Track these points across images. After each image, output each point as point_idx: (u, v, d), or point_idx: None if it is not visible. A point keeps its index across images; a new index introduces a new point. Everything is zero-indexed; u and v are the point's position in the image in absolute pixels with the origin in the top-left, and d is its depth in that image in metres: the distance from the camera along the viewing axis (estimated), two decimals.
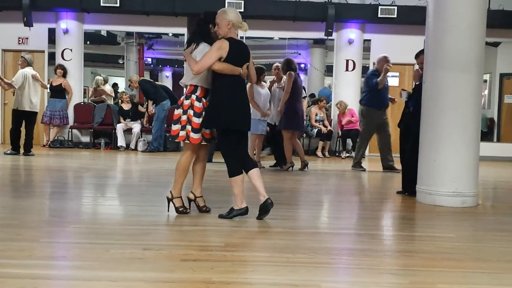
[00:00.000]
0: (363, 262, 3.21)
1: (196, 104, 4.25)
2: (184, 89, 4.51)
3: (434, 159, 5.32)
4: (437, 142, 5.30)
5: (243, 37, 11.79)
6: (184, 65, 4.50)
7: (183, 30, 11.89)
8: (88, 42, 12.15)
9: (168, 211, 4.43)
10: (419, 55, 5.89)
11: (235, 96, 4.24)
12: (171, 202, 4.43)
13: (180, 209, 4.40)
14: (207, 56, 4.12)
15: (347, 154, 11.07)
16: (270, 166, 8.51)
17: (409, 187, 5.85)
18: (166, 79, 13.61)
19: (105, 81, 12.51)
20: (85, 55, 12.00)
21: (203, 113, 4.24)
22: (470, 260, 3.32)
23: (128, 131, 11.22)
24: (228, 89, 4.21)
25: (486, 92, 13.24)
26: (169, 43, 13.14)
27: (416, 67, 6.11)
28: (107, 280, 2.69)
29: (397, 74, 12.24)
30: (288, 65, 8.11)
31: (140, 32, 12.55)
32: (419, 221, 4.86)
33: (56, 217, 4.36)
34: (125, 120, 11.21)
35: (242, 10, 11.02)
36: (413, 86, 6.22)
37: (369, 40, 12.14)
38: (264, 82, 8.36)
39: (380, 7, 11.29)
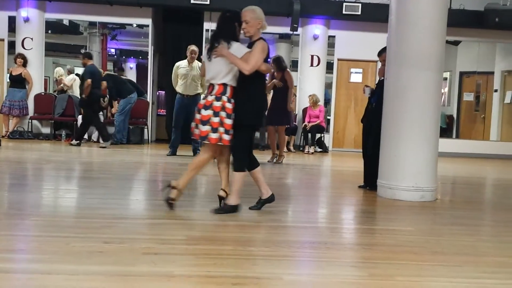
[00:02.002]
0: (324, 255, 3.26)
1: (228, 105, 4.22)
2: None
3: (394, 154, 5.42)
4: (397, 137, 5.41)
5: (208, 29, 11.75)
6: (210, 64, 4.29)
7: (148, 21, 11.74)
8: (49, 31, 11.86)
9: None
10: (382, 52, 5.98)
11: (264, 95, 4.47)
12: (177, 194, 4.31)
13: (170, 201, 4.28)
14: (256, 57, 4.18)
15: (312, 150, 11.18)
16: None
17: (370, 182, 5.96)
18: (130, 70, 13.41)
19: (70, 72, 12.25)
20: (47, 44, 11.72)
21: (233, 114, 4.25)
22: (428, 253, 3.40)
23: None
24: (259, 89, 4.38)
25: (446, 89, 13.58)
26: (133, 34, 12.95)
27: (379, 64, 6.20)
28: (66, 274, 2.64)
29: (361, 70, 12.43)
30: (279, 64, 8.42)
31: (104, 22, 12.33)
32: (379, 214, 4.95)
33: (15, 209, 4.26)
34: None
35: (207, 2, 10.97)
36: (376, 82, 6.31)
37: (334, 36, 12.26)
38: None
39: (344, 4, 11.42)
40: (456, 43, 12.90)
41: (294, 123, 11.40)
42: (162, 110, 13.46)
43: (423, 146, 5.38)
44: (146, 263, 2.86)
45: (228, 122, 4.21)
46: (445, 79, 13.28)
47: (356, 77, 12.49)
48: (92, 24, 12.45)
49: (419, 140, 5.37)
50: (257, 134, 10.98)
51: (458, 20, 10.77)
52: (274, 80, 8.46)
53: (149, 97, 11.90)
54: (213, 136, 4.19)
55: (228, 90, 4.24)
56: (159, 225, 3.87)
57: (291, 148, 11.46)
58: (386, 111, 5.58)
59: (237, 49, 4.22)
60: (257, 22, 4.33)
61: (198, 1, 10.99)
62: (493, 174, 9.19)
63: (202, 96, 4.46)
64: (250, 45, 4.34)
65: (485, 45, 13.05)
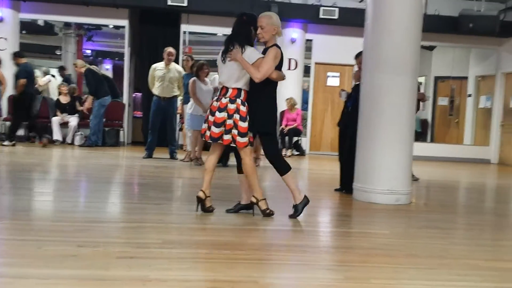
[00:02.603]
0: (301, 258, 3.26)
1: (242, 108, 4.24)
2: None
3: (370, 158, 5.47)
4: (373, 141, 5.46)
5: (185, 31, 11.71)
6: (223, 66, 4.21)
7: (124, 22, 11.64)
8: (24, 32, 11.66)
9: (253, 215, 4.43)
10: (358, 55, 6.03)
11: (275, 102, 4.44)
12: (256, 206, 4.42)
13: (267, 211, 4.39)
14: (268, 65, 4.20)
15: (289, 153, 11.22)
16: None
17: (346, 185, 5.99)
18: (106, 72, 13.25)
19: (46, 73, 12.06)
20: (21, 45, 11.51)
21: (247, 117, 4.26)
22: (402, 256, 3.43)
23: (64, 124, 10.86)
24: (271, 95, 4.38)
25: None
26: (110, 35, 12.81)
27: (356, 67, 6.25)
28: (36, 278, 2.59)
29: (338, 74, 12.51)
30: None
31: (79, 23, 12.18)
32: (355, 218, 4.98)
33: None
34: (62, 114, 10.85)
35: (185, 4, 10.93)
36: (352, 86, 6.36)
37: (311, 40, 12.33)
38: (207, 78, 8.28)
39: (322, 8, 11.49)
40: (431, 48, 13.09)
41: None
42: (139, 112, 13.34)
43: (398, 150, 5.43)
44: (120, 267, 2.83)
45: (243, 125, 4.24)
46: (420, 83, 13.45)
47: (333, 80, 12.58)
48: (67, 25, 12.29)
49: (394, 144, 5.42)
50: None
51: (433, 26, 10.92)
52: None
53: (125, 99, 11.79)
54: (226, 137, 4.24)
55: (242, 93, 4.28)
56: (135, 228, 3.83)
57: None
58: (361, 115, 5.63)
59: (250, 54, 4.24)
60: (273, 28, 4.35)
61: (175, 3, 10.94)
62: (466, 177, 9.34)
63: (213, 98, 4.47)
64: (264, 51, 4.35)
65: (460, 50, 13.26)
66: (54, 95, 11.81)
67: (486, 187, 7.35)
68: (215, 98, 4.38)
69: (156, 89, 8.92)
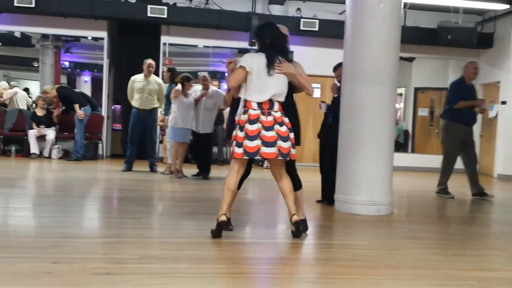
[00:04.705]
0: (281, 271, 3.23)
1: (286, 120, 4.15)
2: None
3: (351, 169, 5.47)
4: (353, 152, 5.46)
5: (165, 43, 11.66)
6: (268, 79, 4.04)
7: (103, 34, 11.54)
8: (0, 44, 11.49)
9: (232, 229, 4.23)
10: (337, 68, 6.05)
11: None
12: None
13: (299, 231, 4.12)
14: (308, 79, 4.29)
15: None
16: (192, 175, 8.42)
17: (328, 196, 5.98)
18: (84, 83, 13.13)
19: (13, 86, 11.86)
20: None
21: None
22: (382, 267, 3.41)
23: (41, 137, 10.68)
24: (295, 107, 4.47)
25: (402, 105, 13.88)
26: (88, 47, 12.69)
27: (335, 79, 6.27)
28: None
29: (319, 86, 12.56)
30: None
31: (57, 35, 12.05)
32: (336, 229, 4.97)
33: None
34: (38, 126, 10.69)
35: (165, 16, 10.88)
36: (332, 98, 6.37)
37: (292, 51, 12.36)
38: (189, 91, 8.22)
39: (302, 20, 11.55)
40: (410, 59, 13.22)
41: None
42: (118, 125, 13.21)
43: (378, 160, 5.44)
44: (97, 284, 2.76)
45: (293, 136, 4.14)
46: (400, 94, 13.58)
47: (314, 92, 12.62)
48: (45, 37, 12.13)
49: (374, 154, 5.43)
50: (215, 149, 10.89)
51: (412, 37, 11.04)
52: (202, 92, 8.21)
53: (104, 111, 11.66)
54: (293, 151, 4.13)
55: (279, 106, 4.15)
56: (112, 244, 3.75)
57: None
58: (342, 126, 5.63)
59: (298, 69, 4.24)
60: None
61: (155, 14, 10.89)
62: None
63: (254, 112, 4.04)
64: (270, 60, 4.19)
65: (439, 61, 13.41)
66: (23, 107, 11.60)
67: (466, 197, 7.40)
68: (259, 111, 4.03)
69: (135, 101, 8.84)
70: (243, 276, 3.11)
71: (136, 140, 8.86)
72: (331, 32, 11.11)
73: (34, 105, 11.40)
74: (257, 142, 3.96)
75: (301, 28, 11.56)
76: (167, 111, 8.52)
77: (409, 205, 7.09)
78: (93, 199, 6.21)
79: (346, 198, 5.51)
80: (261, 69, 4.05)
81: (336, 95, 6.18)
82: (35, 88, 12.70)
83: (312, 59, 12.09)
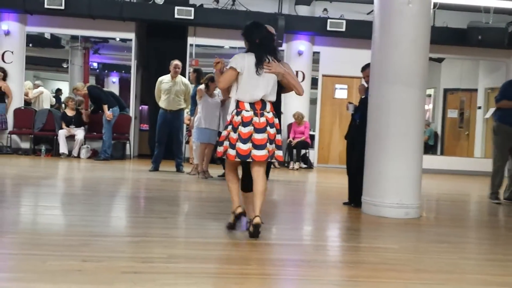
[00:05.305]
0: (308, 273, 3.20)
1: (276, 121, 4.15)
2: (242, 104, 4.03)
3: (378, 171, 5.40)
4: (381, 154, 5.39)
5: (192, 44, 11.73)
6: (257, 79, 4.04)
7: (131, 36, 11.67)
8: (30, 45, 11.72)
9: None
10: (365, 68, 5.99)
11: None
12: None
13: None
14: (297, 78, 4.37)
15: (297, 166, 11.15)
16: (218, 176, 8.44)
17: (355, 198, 5.92)
18: (112, 84, 13.30)
19: (37, 85, 12.10)
20: (27, 58, 11.57)
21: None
22: (411, 271, 3.36)
23: (70, 137, 10.86)
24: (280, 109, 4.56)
25: (431, 106, 13.68)
26: (116, 48, 12.85)
27: (362, 80, 6.21)
28: None
29: (346, 86, 12.48)
30: None
31: (86, 36, 12.24)
32: (364, 232, 4.91)
33: None
34: (68, 126, 10.86)
35: (192, 17, 10.95)
36: (360, 99, 6.31)
37: (318, 52, 12.31)
38: (215, 91, 8.25)
39: (329, 20, 11.48)
40: (439, 60, 13.03)
41: None
42: (145, 125, 13.34)
43: (407, 162, 5.36)
44: (125, 282, 2.78)
45: (279, 138, 4.14)
46: (429, 96, 13.39)
47: (340, 93, 12.53)
48: (74, 38, 12.33)
49: (403, 156, 5.35)
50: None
51: (442, 38, 10.87)
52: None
53: (131, 112, 11.79)
54: (278, 153, 4.12)
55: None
56: (140, 243, 3.78)
57: (276, 164, 11.39)
58: (370, 127, 5.57)
59: (287, 68, 4.25)
60: None
61: (182, 16, 10.97)
62: (477, 191, 9.22)
63: (248, 113, 4.02)
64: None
65: (469, 62, 13.19)
66: (47, 107, 11.82)
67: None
68: (251, 112, 4.02)
69: (162, 102, 8.91)
70: (270, 278, 3.10)
71: (163, 141, 8.93)
72: (358, 33, 11.01)
73: (64, 106, 11.59)
74: (249, 145, 3.98)
75: (328, 28, 11.50)
76: (193, 112, 8.57)
77: (438, 208, 6.98)
78: (121, 198, 6.27)
79: (373, 200, 5.45)
80: (252, 69, 4.06)
81: (363, 96, 6.12)
82: (64, 88, 12.92)
83: (339, 60, 12.05)
